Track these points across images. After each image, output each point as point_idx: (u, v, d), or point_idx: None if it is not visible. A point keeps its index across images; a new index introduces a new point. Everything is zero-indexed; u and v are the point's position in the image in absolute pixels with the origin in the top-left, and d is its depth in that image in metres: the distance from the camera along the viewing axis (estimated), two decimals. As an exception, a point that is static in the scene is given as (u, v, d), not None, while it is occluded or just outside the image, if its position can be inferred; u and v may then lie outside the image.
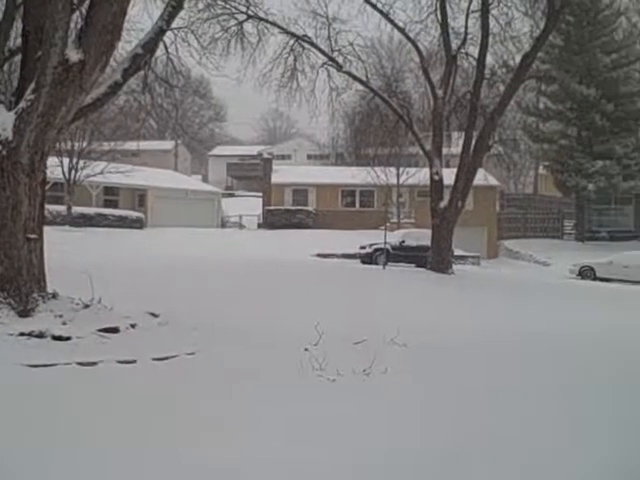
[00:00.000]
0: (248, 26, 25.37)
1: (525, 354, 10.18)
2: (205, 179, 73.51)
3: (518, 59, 27.14)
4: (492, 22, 26.21)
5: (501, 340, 11.39)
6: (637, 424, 6.54)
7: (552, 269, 36.35)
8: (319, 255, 33.25)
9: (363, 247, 32.42)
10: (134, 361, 7.68)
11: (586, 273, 32.63)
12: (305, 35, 26.71)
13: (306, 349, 8.75)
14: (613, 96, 41.96)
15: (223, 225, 48.19)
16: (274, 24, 26.00)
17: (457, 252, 32.02)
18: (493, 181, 42.90)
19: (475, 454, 5.37)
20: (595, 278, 32.03)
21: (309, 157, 73.33)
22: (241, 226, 48.08)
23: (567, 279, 31.49)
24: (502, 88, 27.50)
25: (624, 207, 45.24)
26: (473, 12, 26.49)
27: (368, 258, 31.17)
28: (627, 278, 30.81)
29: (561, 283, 27.86)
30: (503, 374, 8.51)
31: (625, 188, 41.67)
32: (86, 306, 9.59)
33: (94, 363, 7.41)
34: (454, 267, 27.07)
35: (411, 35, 27.82)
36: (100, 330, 8.76)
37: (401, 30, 28.00)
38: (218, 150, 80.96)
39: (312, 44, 26.77)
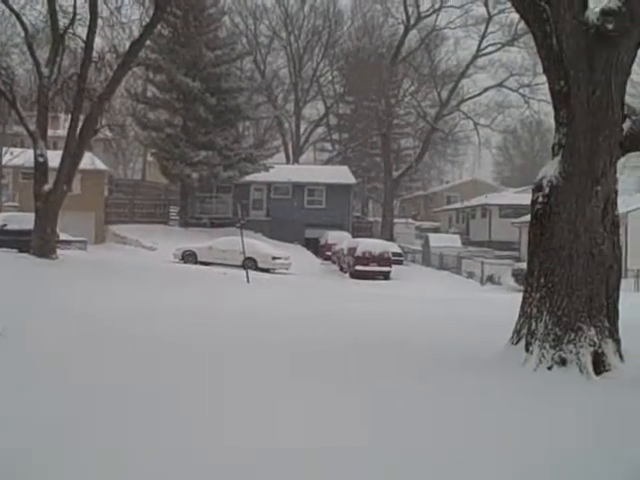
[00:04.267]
0: None
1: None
2: None
3: (128, 45, 27.51)
4: (102, 5, 26.20)
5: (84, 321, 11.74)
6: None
7: (158, 253, 37.50)
8: None
9: (-42, 231, 30.17)
10: None
11: (188, 257, 34.35)
12: None
13: None
14: (216, 90, 44.43)
15: None
16: None
17: (63, 237, 31.39)
18: (101, 165, 42.69)
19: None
20: (197, 262, 33.90)
21: None
22: None
23: (170, 263, 32.86)
24: (111, 72, 27.58)
25: (224, 195, 48.21)
26: (83, -7, 26.21)
27: (-36, 242, 29.09)
28: (225, 262, 33.18)
29: (158, 267, 29.03)
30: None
31: (225, 177, 44.41)
32: None
33: None
34: (59, 252, 26.59)
35: (15, 7, 26.65)
36: None
37: (4, 1, 26.61)
38: None
39: None
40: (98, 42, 27.27)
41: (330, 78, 69.97)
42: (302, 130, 69.75)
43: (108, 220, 44.24)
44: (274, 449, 5.36)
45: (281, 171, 48.91)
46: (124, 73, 27.60)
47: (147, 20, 27.45)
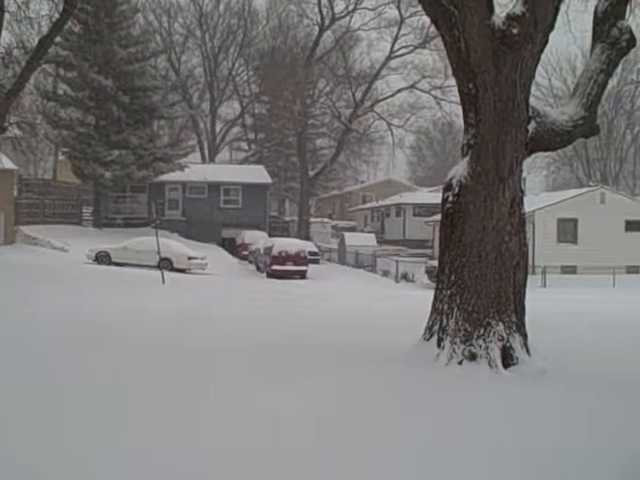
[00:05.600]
0: None
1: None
2: None
3: (37, 41, 26.81)
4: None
5: None
6: None
7: (71, 255, 36.58)
8: None
9: None
10: None
11: (102, 258, 33.64)
12: None
13: None
14: (129, 88, 43.61)
15: None
16: None
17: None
18: (10, 165, 41.25)
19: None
20: (111, 263, 33.26)
21: None
22: None
23: (84, 264, 32.17)
24: (19, 69, 26.83)
25: (138, 195, 47.43)
26: (-11, -13, 25.39)
27: None
28: (140, 262, 32.69)
29: (70, 268, 28.46)
30: None
31: (139, 177, 43.65)
32: None
33: None
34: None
35: None
36: None
37: None
38: None
39: None
40: (5, 37, 26.52)
41: (246, 78, 69.71)
42: (218, 129, 69.31)
43: (18, 221, 42.83)
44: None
45: (197, 171, 48.41)
46: (33, 70, 26.88)
47: (57, 16, 26.79)
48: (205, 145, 67.80)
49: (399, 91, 58.97)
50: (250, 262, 41.94)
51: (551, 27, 9.39)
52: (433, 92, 56.92)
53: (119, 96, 42.80)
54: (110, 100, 42.77)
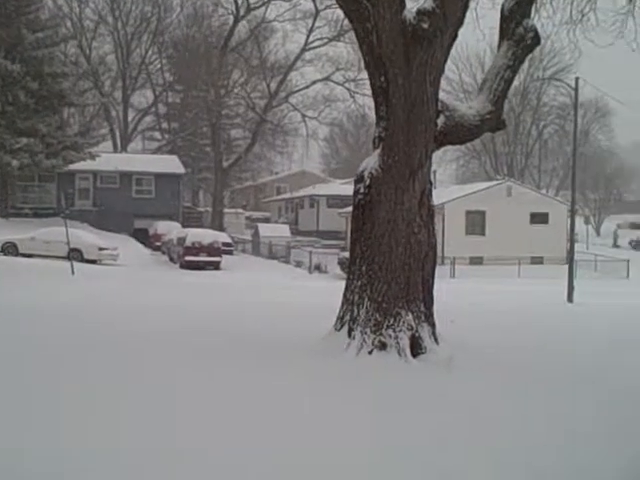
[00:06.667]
0: None
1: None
2: None
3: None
4: None
5: None
6: None
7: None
8: None
9: None
10: None
11: (9, 249, 32.63)
12: None
13: None
14: (38, 74, 42.26)
15: None
16: None
17: None
18: None
19: None
20: (18, 254, 32.30)
21: None
22: None
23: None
24: None
25: (47, 184, 46.14)
26: None
27: None
28: (49, 253, 31.85)
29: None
30: None
31: (48, 166, 42.46)
32: None
33: None
34: None
35: None
36: None
37: None
38: None
39: None
40: None
41: (159, 66, 68.54)
42: (130, 118, 67.93)
43: None
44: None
45: (108, 160, 47.43)
46: None
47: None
48: (117, 134, 66.41)
49: (314, 83, 59.25)
50: (163, 253, 41.44)
51: (460, 22, 9.60)
52: (347, 85, 57.44)
53: (27, 82, 41.41)
54: (17, 86, 41.32)
